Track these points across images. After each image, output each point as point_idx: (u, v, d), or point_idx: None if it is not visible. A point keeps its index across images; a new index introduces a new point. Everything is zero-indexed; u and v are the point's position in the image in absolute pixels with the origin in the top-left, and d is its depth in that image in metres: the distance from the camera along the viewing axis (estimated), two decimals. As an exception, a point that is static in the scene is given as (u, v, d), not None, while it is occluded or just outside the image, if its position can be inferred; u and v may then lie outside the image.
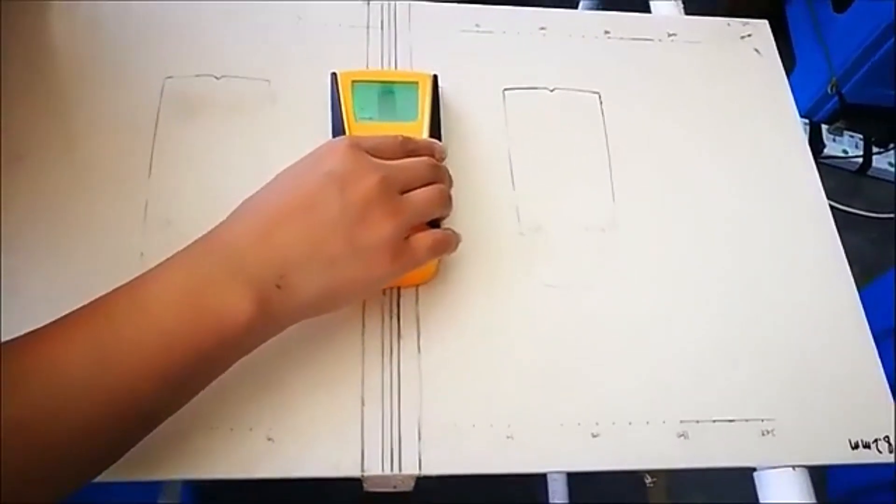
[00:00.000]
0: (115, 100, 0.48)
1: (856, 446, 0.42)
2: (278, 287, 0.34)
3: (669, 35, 0.57)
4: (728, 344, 0.44)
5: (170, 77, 0.49)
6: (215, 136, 0.47)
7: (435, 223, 0.41)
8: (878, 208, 1.55)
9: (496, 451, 0.40)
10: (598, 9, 0.72)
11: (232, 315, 0.33)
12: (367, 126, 0.45)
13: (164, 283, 0.34)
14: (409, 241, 0.38)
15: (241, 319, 0.33)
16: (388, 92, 0.47)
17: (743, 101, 0.55)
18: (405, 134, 0.42)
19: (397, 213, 0.37)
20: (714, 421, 0.42)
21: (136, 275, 0.42)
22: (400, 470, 0.38)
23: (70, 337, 0.32)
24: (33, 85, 0.47)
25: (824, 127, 1.59)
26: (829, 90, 1.52)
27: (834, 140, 1.59)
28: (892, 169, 1.59)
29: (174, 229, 0.44)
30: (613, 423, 0.41)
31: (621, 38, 0.56)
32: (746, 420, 0.42)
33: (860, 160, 1.58)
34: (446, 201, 0.41)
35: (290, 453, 0.38)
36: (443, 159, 0.43)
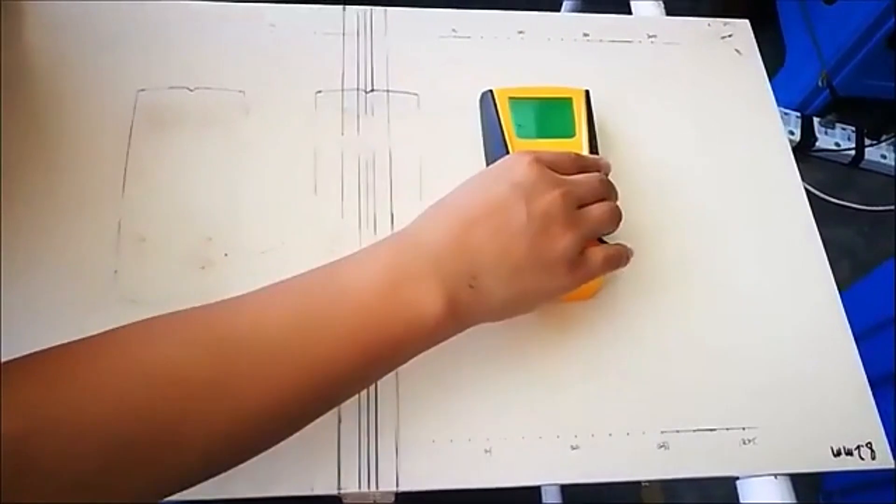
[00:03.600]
0: (87, 113, 0.47)
1: (838, 453, 0.41)
2: (470, 287, 0.35)
3: (649, 37, 0.56)
4: (708, 353, 0.44)
5: (142, 90, 0.48)
6: (189, 150, 0.47)
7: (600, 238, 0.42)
8: (871, 201, 1.54)
9: (475, 466, 0.39)
10: (580, 10, 0.71)
11: (425, 309, 0.34)
12: (527, 143, 0.45)
13: (363, 269, 0.35)
14: (584, 254, 0.39)
15: (432, 314, 0.34)
16: (544, 108, 0.47)
17: (724, 101, 0.54)
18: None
19: (576, 227, 0.38)
20: (694, 430, 0.41)
21: (110, 294, 0.42)
22: (377, 487, 0.38)
23: (269, 304, 0.33)
24: (3, 101, 0.47)
25: (816, 120, 1.58)
26: (819, 83, 1.52)
27: (826, 133, 1.58)
28: (885, 161, 1.58)
29: (148, 245, 0.43)
30: (593, 435, 0.40)
31: (600, 41, 0.56)
32: (727, 429, 0.41)
33: (853, 152, 1.58)
34: (618, 217, 0.41)
35: (265, 472, 0.38)
36: (608, 174, 0.44)
